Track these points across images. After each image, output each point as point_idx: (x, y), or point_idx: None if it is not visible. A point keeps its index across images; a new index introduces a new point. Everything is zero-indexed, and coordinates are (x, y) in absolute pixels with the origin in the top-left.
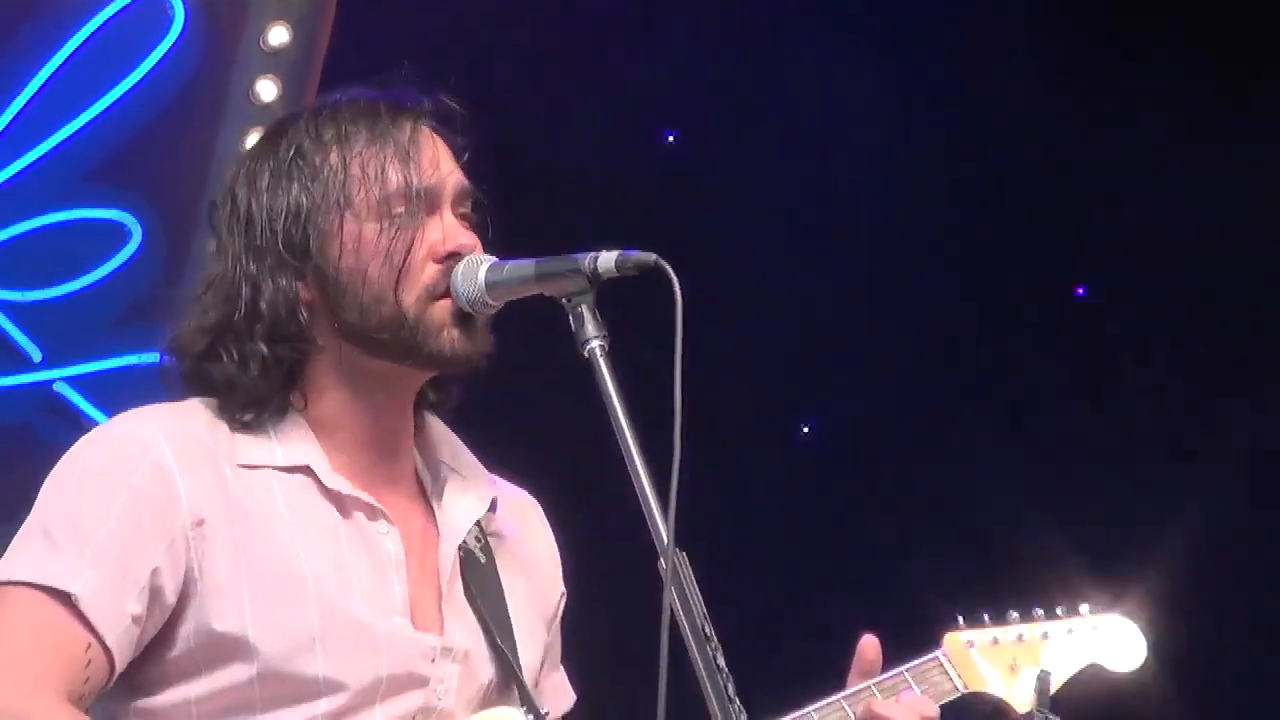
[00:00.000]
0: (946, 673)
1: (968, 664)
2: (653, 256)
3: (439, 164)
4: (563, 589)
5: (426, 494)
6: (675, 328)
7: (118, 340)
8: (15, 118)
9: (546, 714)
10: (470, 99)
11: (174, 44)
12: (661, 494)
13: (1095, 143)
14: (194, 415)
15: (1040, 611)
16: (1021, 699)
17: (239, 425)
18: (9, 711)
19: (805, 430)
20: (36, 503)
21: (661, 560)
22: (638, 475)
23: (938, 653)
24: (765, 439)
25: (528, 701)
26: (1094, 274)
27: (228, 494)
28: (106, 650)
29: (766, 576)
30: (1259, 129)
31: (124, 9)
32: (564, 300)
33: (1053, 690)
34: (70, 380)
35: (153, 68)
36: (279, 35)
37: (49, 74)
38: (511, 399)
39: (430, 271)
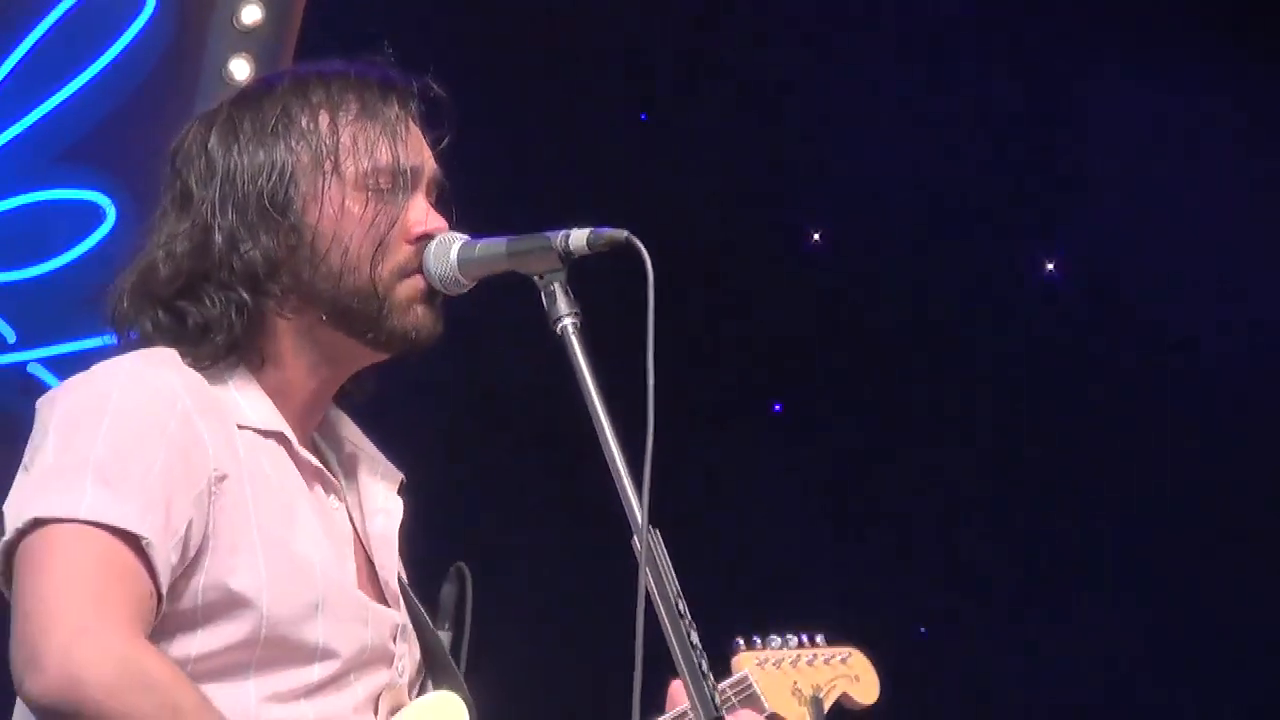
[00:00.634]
0: (757, 696)
1: (763, 685)
2: (624, 233)
3: (422, 147)
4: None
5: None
6: (647, 304)
7: (92, 321)
8: None
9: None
10: (441, 83)
11: (146, 23)
12: (635, 472)
13: None
14: (183, 366)
15: (793, 638)
16: None
17: (202, 372)
18: (119, 661)
19: (777, 409)
20: (57, 434)
21: (635, 538)
22: (611, 453)
23: (746, 673)
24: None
25: (456, 683)
26: None
27: (237, 451)
28: (160, 599)
29: (737, 555)
30: None
31: None
32: (536, 278)
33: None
34: (44, 361)
35: (125, 47)
36: (251, 14)
37: (21, 55)
38: (484, 375)
39: (404, 250)
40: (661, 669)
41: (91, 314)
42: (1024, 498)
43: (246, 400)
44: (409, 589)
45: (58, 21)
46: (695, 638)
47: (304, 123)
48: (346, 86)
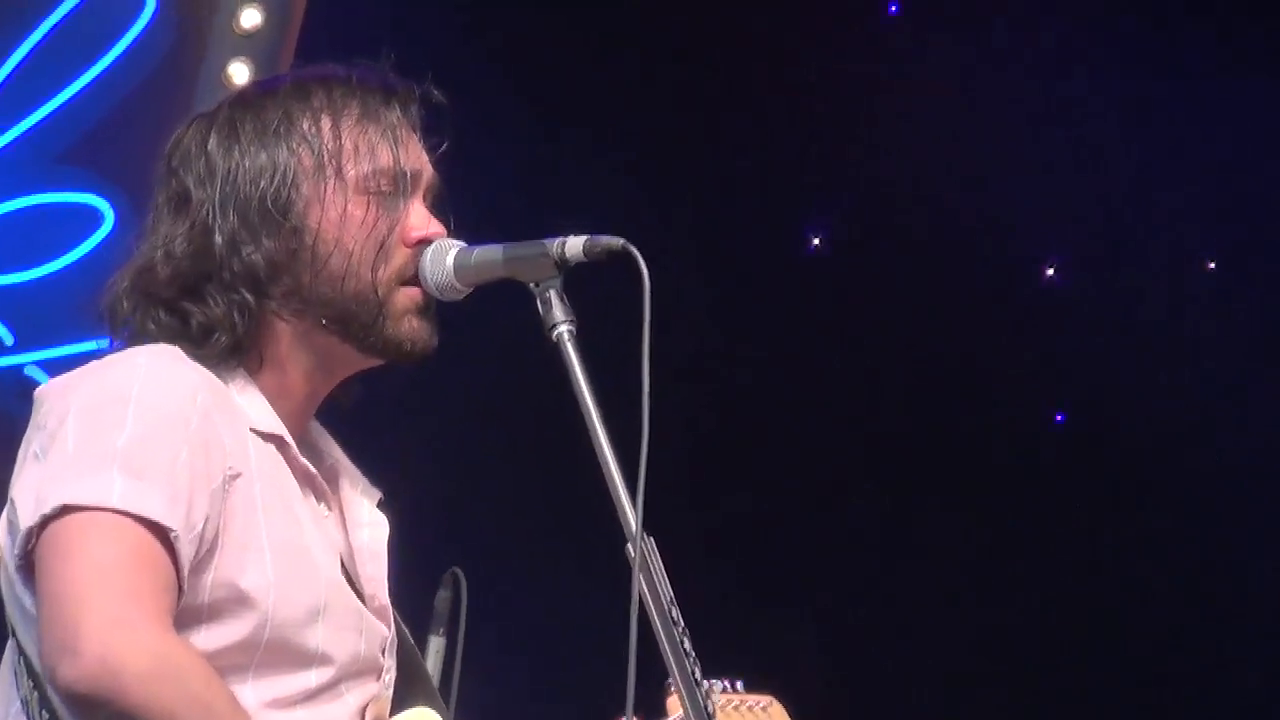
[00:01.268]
0: None
1: None
2: (620, 241)
3: (421, 152)
4: None
5: None
6: (644, 313)
7: (90, 324)
8: None
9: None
10: (441, 87)
11: (146, 26)
12: (629, 480)
13: None
14: (196, 364)
15: (718, 684)
16: None
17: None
18: (155, 653)
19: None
20: (79, 422)
21: (629, 546)
22: (605, 461)
23: (678, 714)
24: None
25: (433, 698)
26: None
27: (248, 451)
28: (181, 593)
29: (732, 562)
30: None
31: None
32: (532, 285)
33: None
34: (42, 364)
35: (125, 50)
36: (251, 18)
37: (21, 58)
38: (478, 383)
39: (402, 255)
40: (658, 675)
41: (90, 317)
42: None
43: (248, 402)
44: (390, 605)
45: (57, 25)
46: (689, 645)
47: (305, 126)
48: (348, 91)
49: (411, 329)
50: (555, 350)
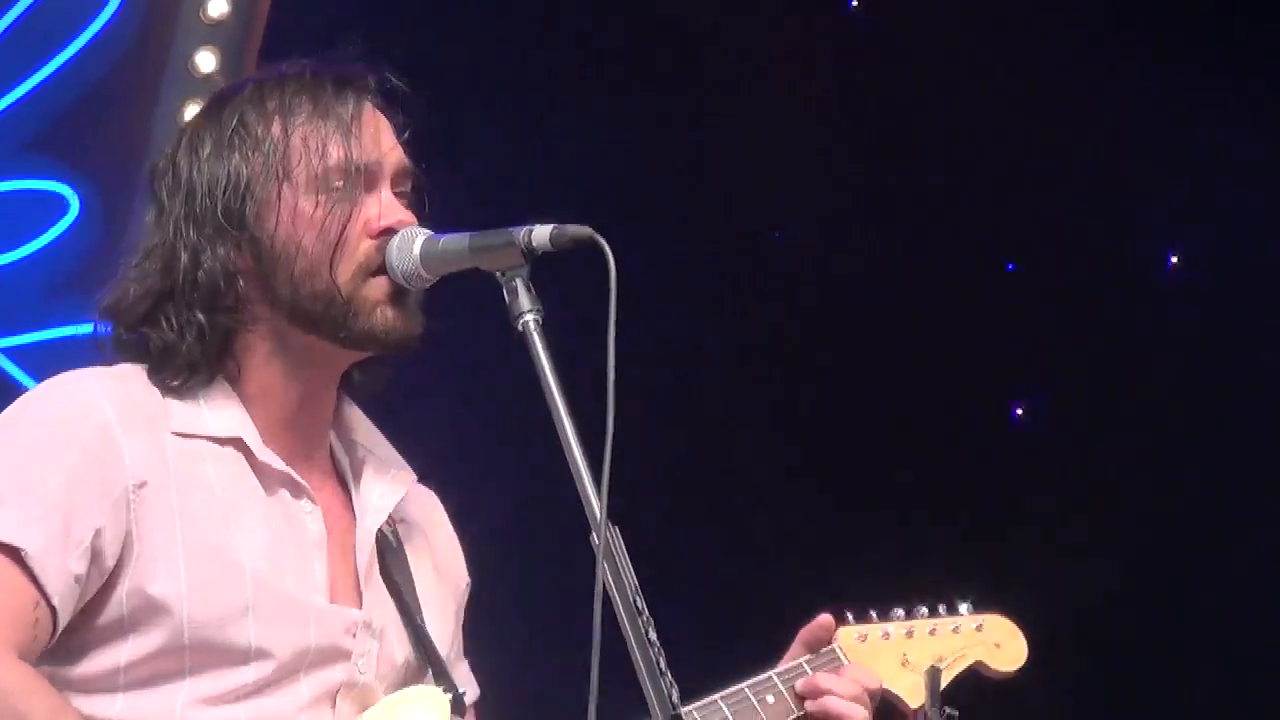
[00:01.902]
0: (842, 665)
1: (861, 659)
2: (587, 230)
3: (380, 141)
4: (468, 579)
5: (339, 473)
6: (609, 301)
7: (54, 311)
8: None
9: (463, 693)
10: (409, 74)
11: (113, 14)
12: (594, 468)
13: None
14: (132, 379)
15: (924, 609)
16: (913, 694)
17: (170, 390)
18: None
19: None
20: None
21: (594, 534)
22: (570, 449)
23: (834, 645)
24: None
25: (445, 680)
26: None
27: (166, 459)
28: (52, 609)
29: (697, 551)
30: None
31: None
32: (499, 274)
33: (944, 687)
34: (7, 351)
35: (92, 38)
36: (218, 6)
37: None
38: (440, 371)
39: (365, 247)
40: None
41: (54, 304)
42: None
43: (212, 411)
44: (404, 586)
45: (24, 13)
46: (653, 634)
47: (258, 131)
48: (301, 88)
49: (385, 320)
50: (521, 339)
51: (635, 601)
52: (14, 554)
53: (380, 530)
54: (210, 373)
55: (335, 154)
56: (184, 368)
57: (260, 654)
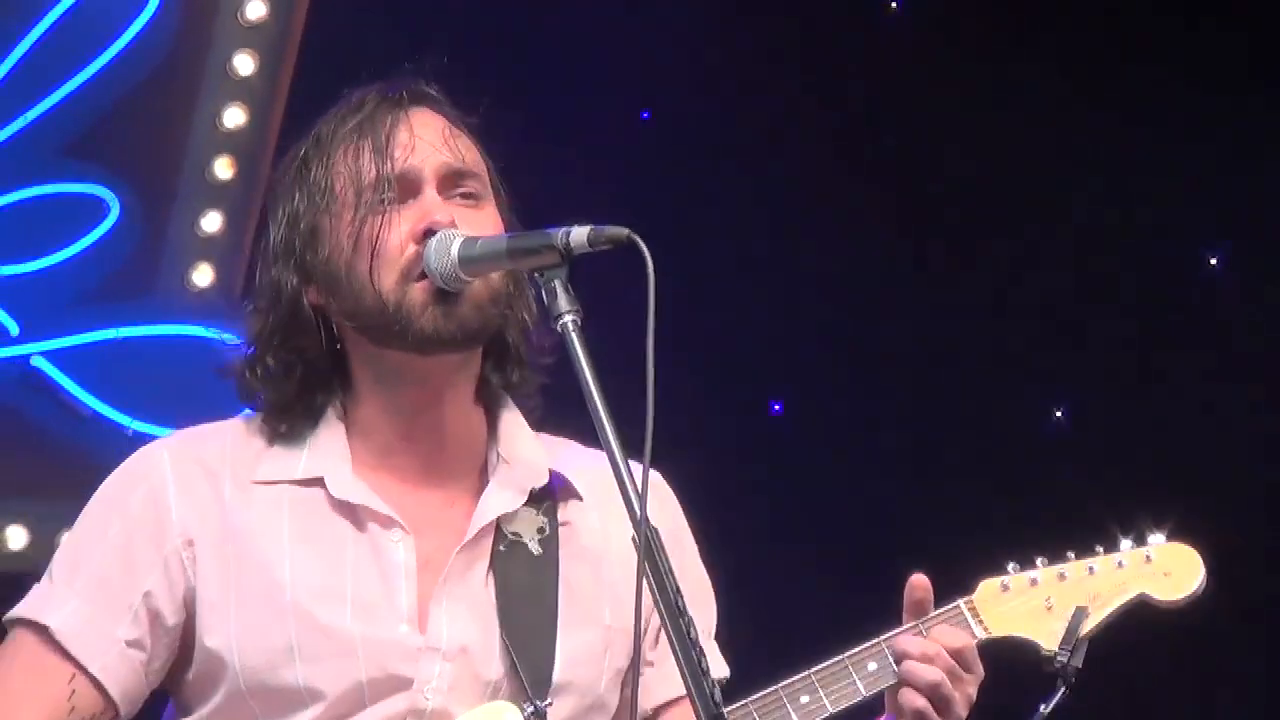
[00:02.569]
0: (965, 621)
1: (997, 608)
2: (625, 231)
3: (414, 148)
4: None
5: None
6: (648, 301)
7: (94, 314)
8: None
9: (549, 705)
10: (459, 71)
11: (151, 17)
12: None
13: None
14: (216, 435)
15: (1100, 549)
16: (1051, 640)
17: (278, 437)
18: None
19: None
20: None
21: (635, 533)
22: (611, 449)
23: (959, 601)
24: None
25: (539, 694)
26: None
27: (223, 512)
28: (92, 679)
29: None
30: None
31: None
32: (537, 275)
33: (1096, 625)
34: (47, 354)
35: (130, 41)
36: (256, 9)
37: (26, 48)
38: None
39: (409, 254)
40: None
41: (94, 308)
42: None
43: (312, 452)
44: (528, 598)
45: (63, 16)
46: (695, 633)
47: (313, 164)
48: (349, 112)
49: (435, 320)
50: (560, 339)
51: (677, 602)
52: (43, 632)
53: (510, 540)
54: (314, 415)
55: (369, 171)
56: (279, 411)
57: (312, 694)
